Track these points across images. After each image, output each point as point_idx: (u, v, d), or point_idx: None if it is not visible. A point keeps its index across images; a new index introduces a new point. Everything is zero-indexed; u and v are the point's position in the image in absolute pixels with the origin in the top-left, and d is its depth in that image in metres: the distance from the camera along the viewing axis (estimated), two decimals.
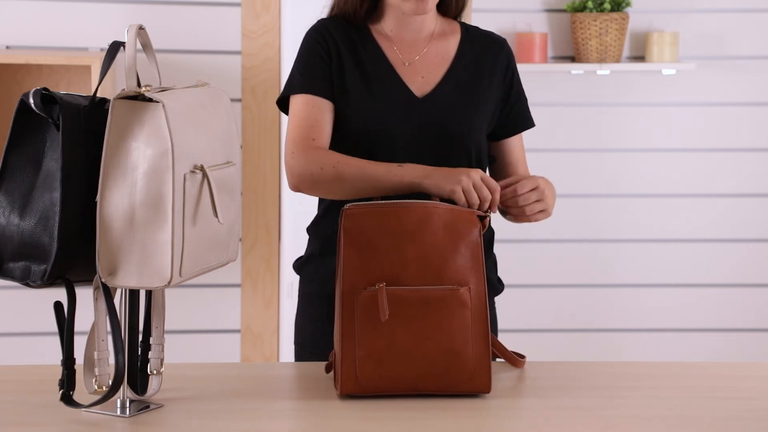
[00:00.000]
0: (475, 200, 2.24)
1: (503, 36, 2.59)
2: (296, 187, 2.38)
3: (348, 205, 2.15)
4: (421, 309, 2.10)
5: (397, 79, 2.45)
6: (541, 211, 2.37)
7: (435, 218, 2.14)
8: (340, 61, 2.45)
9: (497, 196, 2.26)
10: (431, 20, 2.50)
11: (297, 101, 2.44)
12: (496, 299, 2.57)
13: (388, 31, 2.49)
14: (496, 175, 2.55)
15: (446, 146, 2.42)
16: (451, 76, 2.47)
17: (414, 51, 2.49)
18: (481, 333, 2.11)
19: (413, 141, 2.41)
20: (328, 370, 2.22)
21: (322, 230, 2.50)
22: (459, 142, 2.43)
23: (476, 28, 2.55)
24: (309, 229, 2.55)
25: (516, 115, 2.53)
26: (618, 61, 4.26)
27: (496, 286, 2.53)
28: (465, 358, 2.10)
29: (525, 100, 2.56)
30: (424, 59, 2.48)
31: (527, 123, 2.56)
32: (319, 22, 2.50)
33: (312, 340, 2.51)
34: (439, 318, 2.10)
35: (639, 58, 4.37)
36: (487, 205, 2.25)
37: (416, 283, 2.11)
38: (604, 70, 4.26)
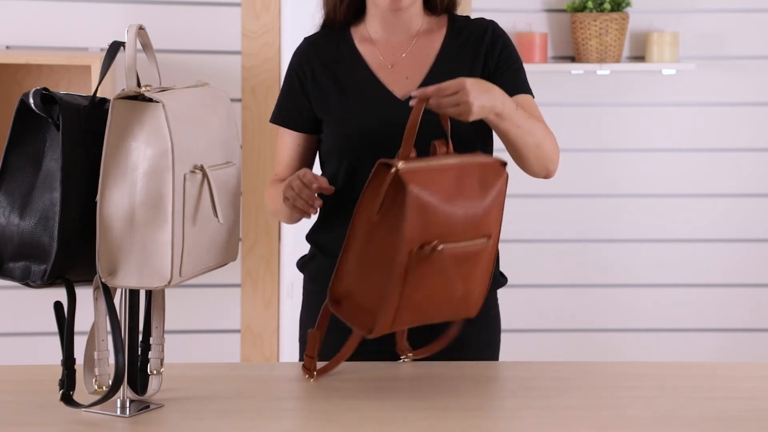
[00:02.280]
0: (292, 195, 2.30)
1: None
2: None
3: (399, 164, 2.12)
4: (457, 263, 2.13)
5: (376, 83, 2.45)
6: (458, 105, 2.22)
7: (470, 173, 2.15)
8: (317, 81, 2.48)
9: (321, 183, 2.29)
10: (417, 19, 2.49)
11: (278, 134, 2.56)
12: (499, 296, 2.55)
13: (372, 33, 2.49)
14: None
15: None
16: (435, 73, 2.46)
17: (398, 52, 2.48)
18: (489, 272, 2.21)
19: (400, 142, 2.40)
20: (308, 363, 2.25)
21: (320, 238, 2.51)
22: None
23: (465, 18, 2.52)
24: (308, 237, 2.56)
25: (507, 81, 2.43)
26: (618, 61, 4.26)
27: (498, 279, 2.53)
28: (474, 296, 2.18)
29: (517, 69, 2.47)
30: (409, 59, 2.48)
31: (518, 89, 2.45)
32: (302, 42, 2.54)
33: None
34: (470, 266, 2.15)
35: (639, 58, 4.37)
36: (305, 192, 2.28)
37: (461, 239, 2.12)
38: (604, 70, 4.26)
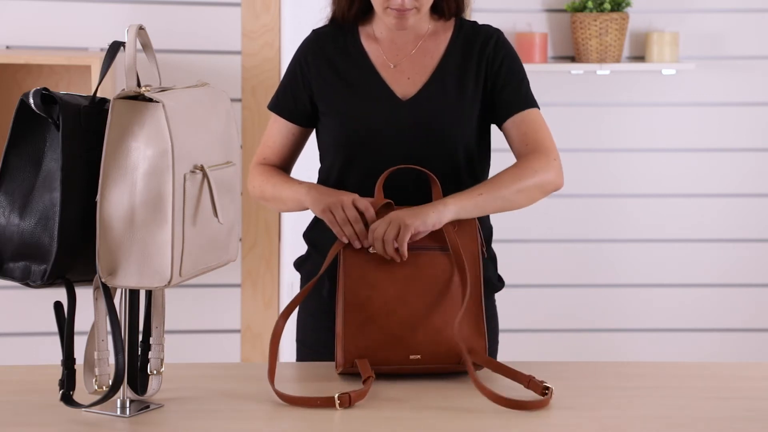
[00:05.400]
0: (341, 217, 2.29)
1: None
2: (251, 198, 2.59)
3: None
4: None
5: (380, 82, 2.46)
6: (399, 238, 2.27)
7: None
8: (321, 75, 2.49)
9: (371, 213, 2.29)
10: (423, 22, 2.49)
11: (271, 118, 2.57)
12: (497, 297, 2.56)
13: (378, 33, 2.50)
14: (514, 154, 2.49)
15: (432, 148, 2.43)
16: (438, 77, 2.46)
17: (402, 52, 2.49)
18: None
19: (399, 144, 2.42)
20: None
21: (316, 236, 2.52)
22: (444, 143, 2.43)
23: (472, 23, 2.52)
24: (304, 235, 2.57)
25: (508, 97, 2.46)
26: (618, 61, 4.26)
27: (495, 283, 2.53)
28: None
29: (520, 82, 2.47)
30: (412, 60, 2.48)
31: (522, 104, 2.46)
32: (310, 34, 2.54)
33: (313, 337, 2.53)
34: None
35: (639, 58, 4.37)
36: (359, 225, 2.28)
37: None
38: (604, 70, 4.26)
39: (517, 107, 2.47)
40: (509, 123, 2.47)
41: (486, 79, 2.47)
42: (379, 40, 2.50)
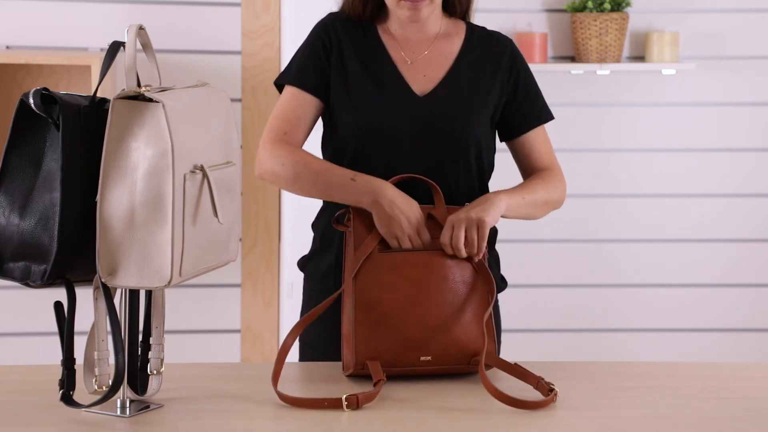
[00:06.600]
0: (407, 246, 2.29)
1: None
2: (260, 176, 2.45)
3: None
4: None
5: (398, 77, 2.46)
6: (479, 236, 2.30)
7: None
8: (342, 57, 2.47)
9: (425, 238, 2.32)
10: (436, 21, 2.51)
11: (286, 92, 2.49)
12: (499, 297, 2.56)
13: (393, 30, 2.51)
14: (521, 168, 2.56)
15: (445, 144, 2.44)
16: (453, 75, 2.48)
17: (418, 50, 2.50)
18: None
19: (412, 138, 2.43)
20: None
21: (324, 225, 2.51)
22: (458, 140, 2.45)
23: (483, 28, 2.56)
24: (313, 225, 2.56)
25: (526, 112, 2.53)
26: (618, 61, 4.26)
27: (498, 283, 2.54)
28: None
29: (536, 95, 2.55)
30: (428, 58, 2.49)
31: (539, 118, 2.54)
32: (328, 16, 2.53)
33: (316, 337, 2.52)
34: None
35: (639, 58, 4.37)
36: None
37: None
38: (604, 70, 4.26)
39: (536, 121, 2.54)
40: (522, 139, 2.54)
41: (501, 93, 2.50)
42: (395, 37, 2.51)
